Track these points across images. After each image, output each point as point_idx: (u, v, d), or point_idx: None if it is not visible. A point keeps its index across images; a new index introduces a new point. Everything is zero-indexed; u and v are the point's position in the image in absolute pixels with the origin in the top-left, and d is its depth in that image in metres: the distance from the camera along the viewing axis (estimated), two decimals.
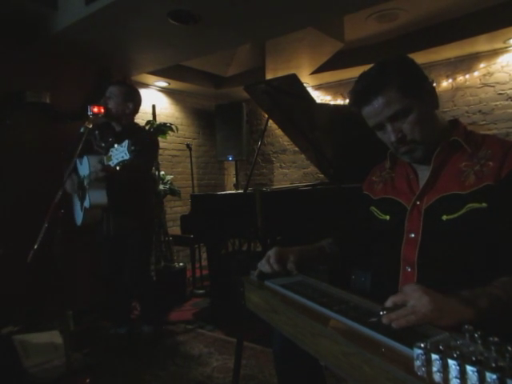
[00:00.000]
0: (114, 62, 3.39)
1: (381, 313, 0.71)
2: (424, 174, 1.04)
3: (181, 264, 3.58)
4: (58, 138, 2.96)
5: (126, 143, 1.93)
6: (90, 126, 2.20)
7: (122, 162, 1.94)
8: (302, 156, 4.21)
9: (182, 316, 3.02)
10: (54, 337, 2.24)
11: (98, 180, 2.19)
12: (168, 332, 2.71)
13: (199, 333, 2.69)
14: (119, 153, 1.96)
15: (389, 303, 0.74)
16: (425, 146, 1.00)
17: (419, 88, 0.99)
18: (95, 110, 2.25)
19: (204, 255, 3.74)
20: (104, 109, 2.32)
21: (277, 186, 4.88)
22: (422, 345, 0.52)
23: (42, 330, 2.32)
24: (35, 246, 1.93)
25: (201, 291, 3.58)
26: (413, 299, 0.71)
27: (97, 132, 2.43)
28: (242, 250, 3.68)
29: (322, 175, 3.73)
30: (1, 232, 2.55)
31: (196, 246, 3.81)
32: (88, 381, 2.08)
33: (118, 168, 1.99)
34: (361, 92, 1.01)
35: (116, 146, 1.98)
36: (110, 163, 2.00)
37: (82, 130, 2.18)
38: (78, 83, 3.22)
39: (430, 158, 1.01)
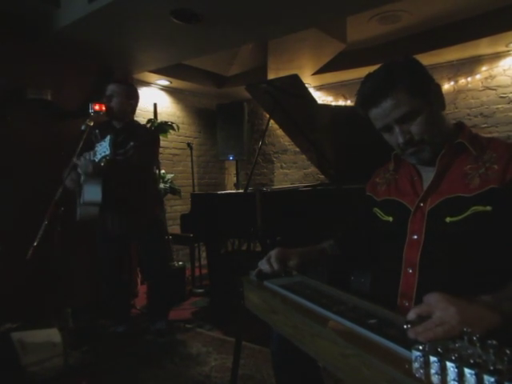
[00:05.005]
0: (116, 59, 3.38)
1: (405, 326, 0.66)
2: (428, 175, 1.04)
3: (180, 263, 3.58)
4: (59, 135, 2.97)
5: (107, 139, 1.95)
6: (92, 124, 2.21)
7: (104, 157, 1.96)
8: (303, 156, 4.21)
9: (181, 315, 3.02)
10: (53, 334, 2.24)
11: (90, 176, 2.19)
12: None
13: (198, 332, 2.68)
14: (102, 148, 1.98)
15: (412, 315, 0.69)
16: (432, 147, 1.00)
17: (427, 89, 0.99)
18: (97, 107, 2.26)
19: (203, 254, 3.75)
20: (106, 107, 2.33)
21: (277, 186, 4.88)
22: (421, 347, 0.52)
23: (40, 327, 2.32)
24: (35, 243, 1.93)
25: (200, 290, 3.58)
26: (438, 310, 0.67)
27: (97, 131, 2.44)
28: (241, 250, 3.67)
29: (322, 176, 3.73)
30: (1, 229, 2.55)
31: (196, 245, 3.81)
32: (86, 379, 2.09)
33: (102, 164, 2.01)
34: (369, 94, 1.00)
35: (100, 141, 2.00)
36: (95, 158, 2.02)
37: (83, 127, 2.18)
38: (79, 81, 3.22)
39: (435, 159, 1.01)
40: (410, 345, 0.56)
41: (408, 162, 1.09)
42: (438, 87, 1.03)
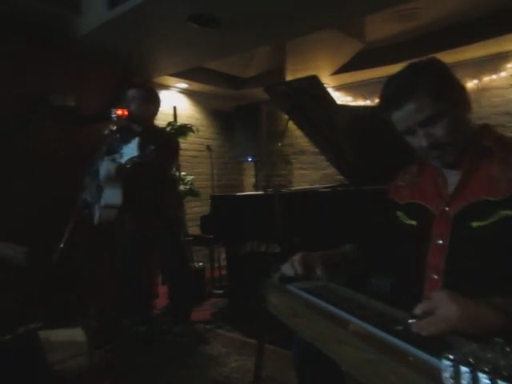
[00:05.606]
0: (136, 64, 3.44)
1: (409, 320, 0.70)
2: (453, 179, 1.02)
3: (200, 264, 3.61)
4: (82, 140, 3.03)
5: (135, 140, 1.99)
6: (114, 129, 2.25)
7: (132, 158, 1.99)
8: (321, 157, 4.18)
9: (201, 316, 3.05)
10: (77, 334, 2.29)
11: (112, 179, 2.23)
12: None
13: (217, 333, 2.70)
14: (129, 150, 2.01)
15: (417, 311, 0.73)
16: (456, 151, 0.97)
17: (451, 92, 0.97)
18: (119, 112, 2.31)
19: (223, 255, 3.77)
20: (127, 111, 2.38)
21: (296, 187, 4.86)
22: (451, 356, 0.51)
23: (64, 326, 2.38)
24: (61, 245, 1.98)
25: (219, 291, 3.60)
26: (441, 307, 0.70)
27: (118, 135, 2.48)
28: (260, 251, 3.68)
29: (341, 177, 3.70)
30: (27, 231, 2.62)
31: (215, 246, 3.84)
32: (110, 378, 2.12)
33: (128, 166, 2.04)
34: (391, 97, 0.99)
35: (128, 143, 2.03)
36: (122, 161, 2.06)
37: (106, 132, 2.23)
38: (100, 86, 3.28)
39: (460, 162, 0.99)
40: (439, 353, 0.55)
41: (432, 164, 1.07)
42: (463, 89, 1.01)
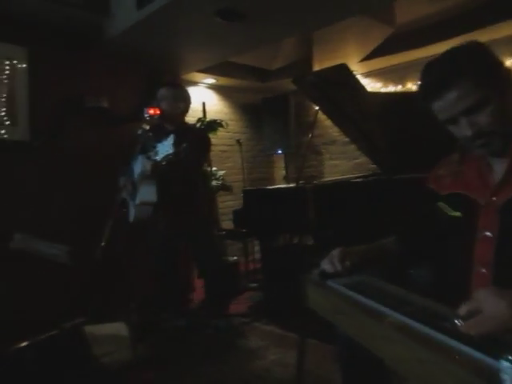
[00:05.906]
0: (165, 62, 3.48)
1: (456, 321, 0.67)
2: (499, 167, 0.97)
3: (234, 258, 3.64)
4: (116, 140, 3.10)
5: (170, 137, 2.01)
6: (148, 128, 2.30)
7: (167, 155, 2.02)
8: (353, 146, 4.10)
9: (237, 309, 3.08)
10: (120, 328, 2.37)
11: (147, 177, 2.27)
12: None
13: (254, 326, 2.73)
14: (164, 147, 2.03)
15: (463, 311, 0.70)
16: (504, 138, 0.92)
17: (495, 76, 0.92)
18: (151, 111, 2.35)
19: (256, 248, 3.79)
20: (159, 110, 2.42)
21: (327, 178, 4.80)
22: (511, 357, 0.49)
23: (108, 321, 2.47)
24: (102, 243, 2.05)
25: (254, 285, 3.63)
26: (489, 305, 0.67)
27: (151, 134, 2.53)
28: (293, 244, 3.67)
29: (374, 166, 3.62)
30: (69, 231, 2.72)
31: (248, 239, 3.86)
32: (152, 371, 2.19)
33: (163, 163, 2.07)
34: (430, 86, 0.95)
35: (162, 141, 2.06)
36: (157, 158, 2.09)
37: (140, 131, 2.27)
38: (132, 86, 3.34)
39: (507, 150, 0.94)
40: (495, 353, 0.53)
41: (475, 152, 1.03)
42: (508, 71, 0.95)
